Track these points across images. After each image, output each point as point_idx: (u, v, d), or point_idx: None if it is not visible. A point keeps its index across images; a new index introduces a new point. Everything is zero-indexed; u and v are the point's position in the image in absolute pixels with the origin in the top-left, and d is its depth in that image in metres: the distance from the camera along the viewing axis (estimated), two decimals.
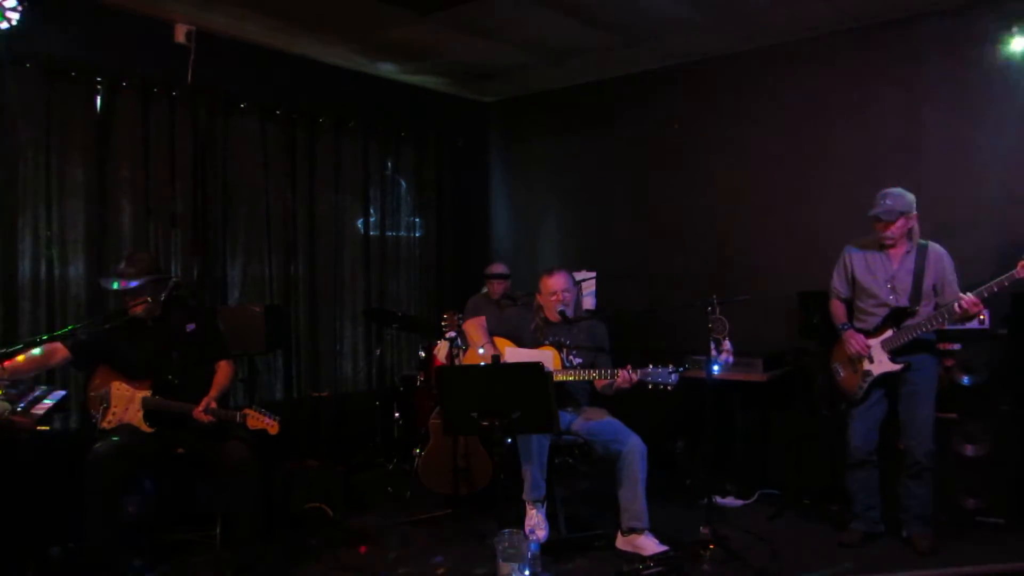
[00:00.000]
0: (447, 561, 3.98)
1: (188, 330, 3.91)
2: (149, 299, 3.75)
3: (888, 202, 3.93)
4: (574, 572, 3.83)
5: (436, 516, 4.59)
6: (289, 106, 5.65)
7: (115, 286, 3.79)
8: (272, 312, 5.03)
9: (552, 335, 4.31)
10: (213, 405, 3.68)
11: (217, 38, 5.21)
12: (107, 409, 3.74)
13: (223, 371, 3.93)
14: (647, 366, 3.85)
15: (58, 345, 3.77)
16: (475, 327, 4.44)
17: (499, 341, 4.37)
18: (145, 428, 3.69)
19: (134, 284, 3.74)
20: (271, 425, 3.65)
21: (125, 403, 3.73)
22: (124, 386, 3.76)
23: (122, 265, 3.84)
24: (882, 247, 4.05)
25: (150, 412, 3.71)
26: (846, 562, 3.89)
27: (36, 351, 3.73)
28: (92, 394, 3.81)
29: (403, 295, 6.50)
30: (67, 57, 4.58)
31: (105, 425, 3.73)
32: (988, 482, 4.29)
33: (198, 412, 3.65)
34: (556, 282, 4.27)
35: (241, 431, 3.71)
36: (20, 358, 3.65)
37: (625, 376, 3.89)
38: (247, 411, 3.65)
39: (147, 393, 3.73)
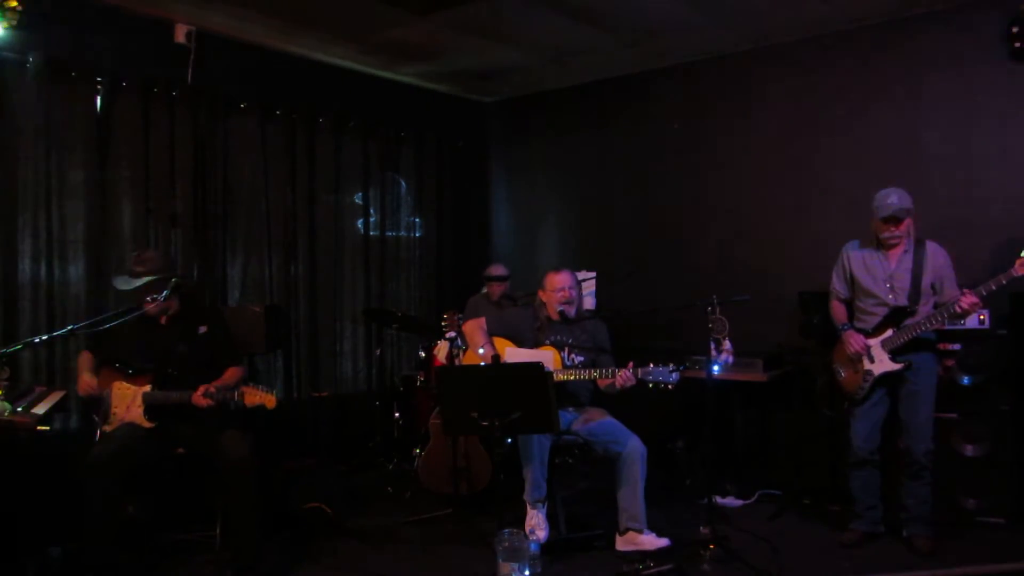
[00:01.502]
0: (447, 561, 3.98)
1: (199, 332, 3.94)
2: (160, 298, 3.76)
3: (896, 200, 3.91)
4: (574, 572, 3.83)
5: (436, 516, 4.59)
6: (289, 106, 5.65)
7: (121, 286, 3.80)
8: (272, 312, 5.02)
9: (553, 334, 4.31)
10: (211, 389, 3.68)
11: (217, 38, 5.21)
12: (107, 412, 3.74)
13: (231, 373, 3.93)
14: (648, 365, 3.85)
15: (86, 353, 3.87)
16: (474, 328, 4.44)
17: (498, 341, 4.36)
18: (145, 423, 3.70)
19: (139, 283, 3.75)
20: (268, 399, 3.66)
21: (127, 402, 3.74)
22: (125, 385, 3.77)
23: (131, 264, 3.86)
24: (880, 246, 4.05)
25: (150, 406, 3.72)
26: (846, 562, 3.89)
27: (84, 365, 3.83)
28: (83, 385, 3.81)
29: (403, 295, 6.50)
30: (67, 57, 4.58)
31: (107, 428, 3.73)
32: (988, 482, 4.29)
33: (197, 397, 3.66)
34: (562, 279, 4.29)
35: (240, 433, 3.71)
36: (85, 375, 3.75)
37: (626, 375, 3.90)
38: (244, 389, 3.66)
39: (148, 388, 3.74)
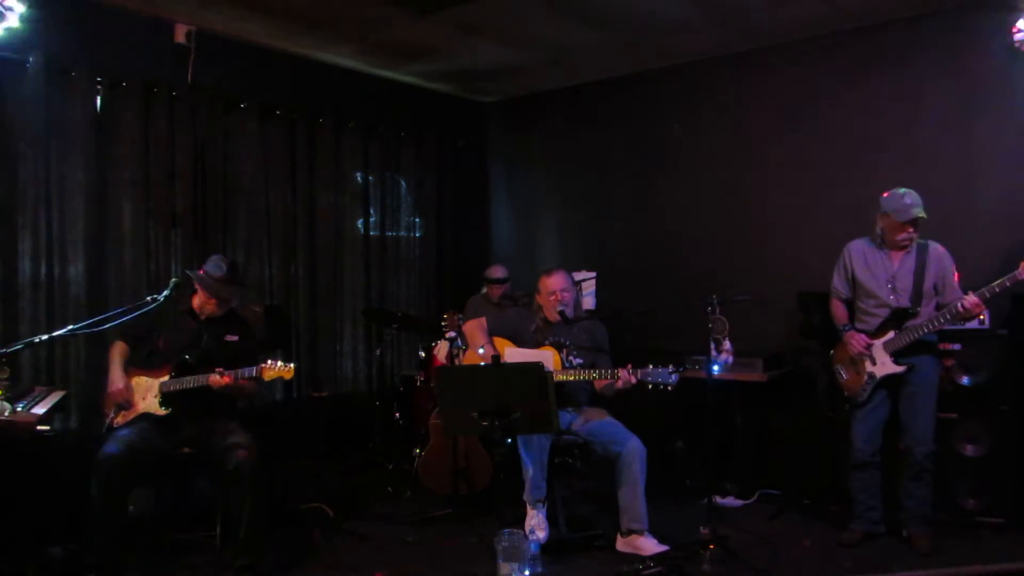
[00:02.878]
0: (447, 561, 3.98)
1: (228, 339, 3.97)
2: (216, 302, 3.88)
3: (914, 202, 3.90)
4: (574, 572, 3.83)
5: (436, 516, 4.59)
6: (289, 106, 5.65)
7: (215, 286, 3.87)
8: (272, 312, 5.02)
9: (552, 335, 4.31)
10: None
11: (217, 38, 5.21)
12: (121, 408, 3.75)
13: None
14: (647, 366, 3.85)
15: (120, 344, 3.90)
16: (474, 328, 4.43)
17: (498, 341, 4.36)
18: (159, 411, 3.71)
19: (242, 291, 3.96)
20: (286, 371, 3.68)
21: (143, 393, 3.76)
22: (142, 378, 3.79)
23: (220, 271, 3.91)
24: (884, 246, 4.05)
25: (166, 393, 3.74)
26: (846, 562, 3.89)
27: (117, 363, 3.84)
28: (114, 390, 3.82)
29: (403, 295, 6.49)
30: (67, 57, 4.58)
31: (120, 421, 3.73)
32: (988, 482, 4.28)
33: (214, 379, 3.68)
34: (555, 282, 4.28)
35: (247, 434, 3.72)
36: (119, 382, 3.77)
37: (625, 376, 3.89)
38: (262, 366, 3.67)
39: (166, 378, 3.76)
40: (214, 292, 3.85)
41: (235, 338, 4.00)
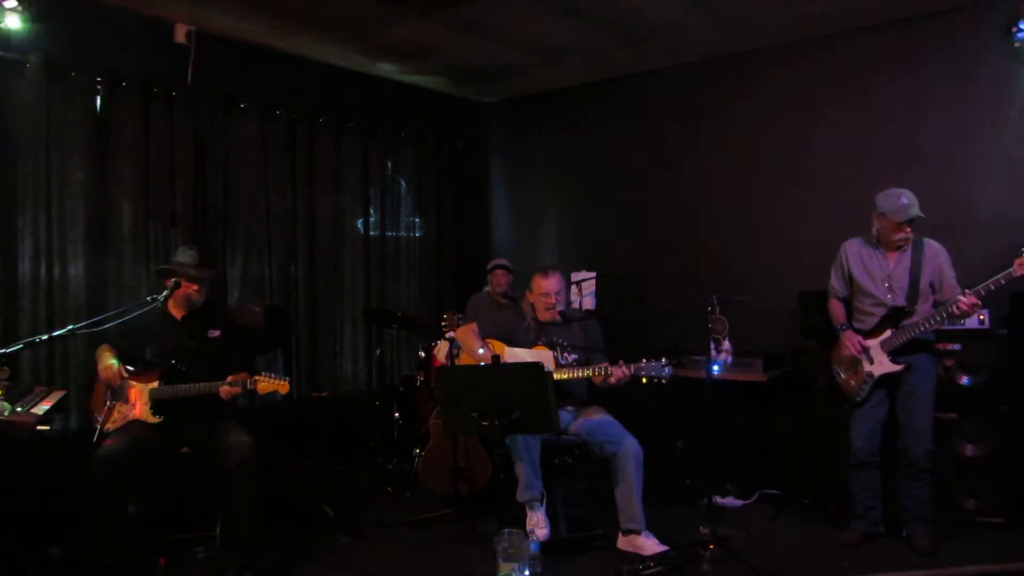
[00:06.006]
0: (447, 561, 3.98)
1: (210, 335, 3.96)
2: (197, 287, 3.87)
3: (910, 202, 3.90)
4: (574, 572, 3.83)
5: (436, 516, 4.59)
6: (289, 106, 5.66)
7: (188, 271, 3.87)
8: (272, 312, 5.02)
9: (546, 335, 4.30)
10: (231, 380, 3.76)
11: (217, 38, 5.21)
12: (112, 409, 3.74)
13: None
14: (640, 360, 3.85)
15: (106, 346, 3.88)
16: (467, 333, 4.42)
17: (495, 344, 4.36)
18: (152, 419, 3.71)
19: (207, 274, 3.92)
20: (281, 385, 3.73)
21: (133, 399, 3.75)
22: (131, 382, 3.78)
23: (188, 257, 3.91)
24: (880, 246, 4.05)
25: (156, 401, 3.74)
26: (846, 562, 3.89)
27: (105, 354, 3.82)
28: (101, 386, 3.81)
29: (403, 295, 6.50)
30: (67, 57, 4.58)
31: (110, 426, 3.73)
32: (988, 482, 4.28)
33: (225, 389, 3.71)
34: (550, 284, 4.26)
35: (245, 434, 3.72)
36: (110, 361, 3.74)
37: (619, 372, 3.89)
38: (256, 377, 3.71)
39: (155, 384, 3.75)
40: (194, 277, 3.85)
41: (217, 333, 3.99)
